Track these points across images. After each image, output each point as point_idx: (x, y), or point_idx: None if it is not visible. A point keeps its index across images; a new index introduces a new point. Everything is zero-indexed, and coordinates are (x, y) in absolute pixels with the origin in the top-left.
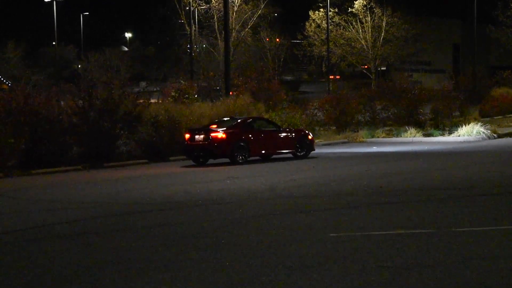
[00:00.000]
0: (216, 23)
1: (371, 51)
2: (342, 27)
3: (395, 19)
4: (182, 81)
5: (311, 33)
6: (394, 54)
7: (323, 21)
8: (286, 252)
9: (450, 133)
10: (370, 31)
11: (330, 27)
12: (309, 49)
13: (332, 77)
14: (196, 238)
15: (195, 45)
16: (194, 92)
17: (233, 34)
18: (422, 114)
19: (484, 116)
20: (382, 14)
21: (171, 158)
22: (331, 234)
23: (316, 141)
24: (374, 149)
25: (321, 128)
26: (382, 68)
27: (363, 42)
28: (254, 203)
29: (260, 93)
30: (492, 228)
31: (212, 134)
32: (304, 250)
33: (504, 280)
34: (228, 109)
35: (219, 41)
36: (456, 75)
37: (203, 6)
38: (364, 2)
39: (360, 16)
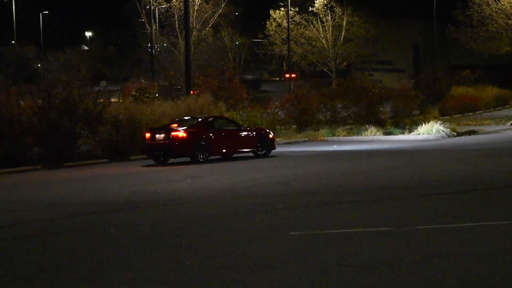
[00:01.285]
0: (176, 22)
1: (332, 50)
2: (303, 26)
3: (355, 18)
4: (143, 81)
5: (272, 32)
6: (354, 53)
7: (284, 20)
8: (247, 251)
9: (410, 131)
10: (330, 30)
11: (291, 26)
12: (270, 48)
13: (289, 76)
14: (157, 238)
15: (156, 44)
16: (155, 92)
17: (194, 33)
18: (382, 112)
19: (443, 115)
20: (343, 14)
21: (132, 157)
22: (292, 233)
23: (277, 140)
24: (335, 147)
25: (282, 127)
26: (343, 67)
27: (323, 41)
28: (215, 202)
29: (221, 92)
30: (450, 226)
31: (173, 133)
32: (265, 249)
33: (463, 277)
34: (189, 108)
35: (180, 40)
36: (416, 74)
37: (163, 5)
38: (325, 2)
39: (321, 16)
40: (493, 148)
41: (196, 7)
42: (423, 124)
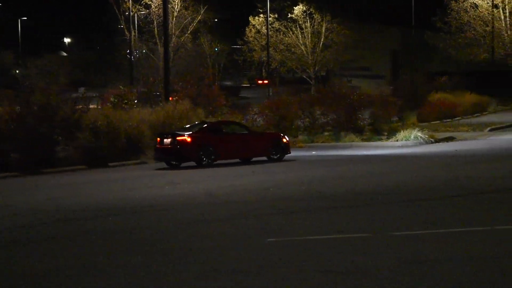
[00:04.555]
0: (155, 28)
1: (311, 56)
2: (282, 32)
3: (334, 25)
4: (121, 87)
5: (251, 39)
6: (333, 59)
7: (263, 27)
8: (223, 257)
9: (388, 138)
10: (309, 36)
11: (270, 32)
12: (249, 55)
13: (262, 82)
14: (133, 244)
15: (135, 50)
16: (134, 98)
17: (173, 39)
18: (361, 119)
19: (422, 121)
20: (322, 20)
21: (111, 164)
22: (269, 240)
23: None
24: (313, 154)
25: None
26: (322, 74)
27: (302, 47)
28: (193, 208)
29: (200, 98)
30: (428, 232)
31: (178, 138)
32: (242, 255)
33: (441, 283)
34: (168, 115)
35: (159, 46)
36: (395, 80)
37: (142, 11)
38: (304, 8)
39: (300, 22)
40: (471, 155)
41: (175, 14)
42: (402, 131)
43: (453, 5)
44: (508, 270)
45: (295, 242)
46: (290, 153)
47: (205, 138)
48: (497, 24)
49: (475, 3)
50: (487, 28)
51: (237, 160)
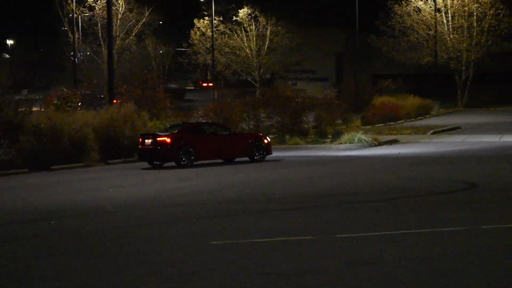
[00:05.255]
0: (100, 30)
1: (256, 59)
2: (227, 35)
3: (279, 28)
4: (65, 89)
5: (196, 41)
6: (278, 62)
7: (208, 29)
8: (166, 260)
9: (332, 141)
10: (254, 39)
11: (215, 35)
12: (194, 57)
13: (206, 84)
14: (76, 247)
15: (78, 52)
16: (78, 100)
17: (117, 41)
18: (305, 122)
19: (366, 124)
20: (267, 23)
21: (54, 167)
22: (213, 242)
23: None
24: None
25: None
26: (267, 76)
27: (247, 50)
28: (136, 211)
29: (145, 101)
30: (372, 234)
31: (158, 139)
32: (185, 258)
33: (384, 284)
34: (112, 117)
35: (103, 48)
36: (339, 83)
37: (86, 13)
38: (249, 11)
39: (245, 25)
40: (413, 158)
41: (119, 16)
42: (346, 134)
43: (396, 8)
44: (446, 270)
45: (238, 245)
46: (271, 153)
47: (185, 139)
48: (440, 28)
49: (418, 7)
50: (430, 32)
51: (220, 160)
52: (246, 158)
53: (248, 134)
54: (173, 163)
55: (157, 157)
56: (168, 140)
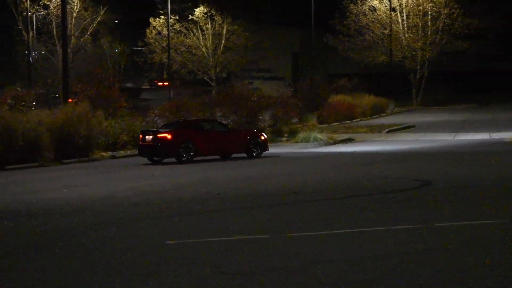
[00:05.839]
0: (54, 29)
1: (212, 58)
2: (183, 34)
3: (235, 27)
4: (19, 88)
5: (151, 40)
6: (234, 61)
7: (164, 28)
8: (122, 260)
9: (288, 139)
10: (210, 38)
11: (171, 34)
12: (150, 57)
13: (162, 83)
14: (29, 247)
15: (33, 51)
16: (32, 100)
17: (72, 40)
18: (261, 120)
19: (322, 123)
20: (223, 22)
21: (8, 167)
22: (168, 242)
23: None
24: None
25: None
26: (223, 75)
27: (204, 49)
28: (92, 211)
29: (100, 100)
30: (327, 232)
31: (159, 135)
32: (139, 258)
33: (339, 283)
34: (67, 117)
35: (58, 47)
36: (295, 82)
37: (41, 12)
38: (205, 10)
39: (201, 24)
40: (369, 156)
41: (74, 14)
42: (302, 132)
43: (352, 8)
44: (400, 268)
45: (194, 244)
46: (268, 150)
47: (185, 135)
48: (395, 27)
49: (374, 6)
50: (385, 31)
51: (217, 157)
52: (244, 154)
53: (245, 130)
54: (168, 159)
55: (157, 153)
56: (169, 136)
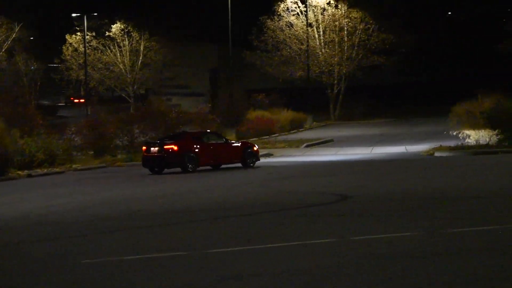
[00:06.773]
0: None
1: (130, 75)
2: (100, 51)
3: (153, 43)
4: None
5: (68, 57)
6: (152, 78)
7: (80, 45)
8: (39, 279)
9: None
10: (128, 55)
11: (87, 51)
12: (66, 73)
13: (78, 100)
14: None
15: None
16: None
17: None
18: None
19: (240, 138)
20: (140, 38)
21: None
22: (85, 261)
23: (74, 166)
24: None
25: (79, 153)
26: (141, 92)
27: (121, 66)
28: (7, 230)
29: (16, 118)
30: (243, 248)
31: (166, 146)
32: (55, 277)
33: None
34: None
35: None
36: (214, 98)
37: None
38: (122, 26)
39: (118, 40)
40: (287, 170)
41: None
42: None
43: (269, 23)
44: (317, 283)
45: (111, 263)
46: (259, 160)
47: (190, 146)
48: (311, 43)
49: (291, 22)
50: (302, 47)
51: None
52: (238, 164)
53: (240, 142)
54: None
55: (164, 164)
56: (175, 147)
